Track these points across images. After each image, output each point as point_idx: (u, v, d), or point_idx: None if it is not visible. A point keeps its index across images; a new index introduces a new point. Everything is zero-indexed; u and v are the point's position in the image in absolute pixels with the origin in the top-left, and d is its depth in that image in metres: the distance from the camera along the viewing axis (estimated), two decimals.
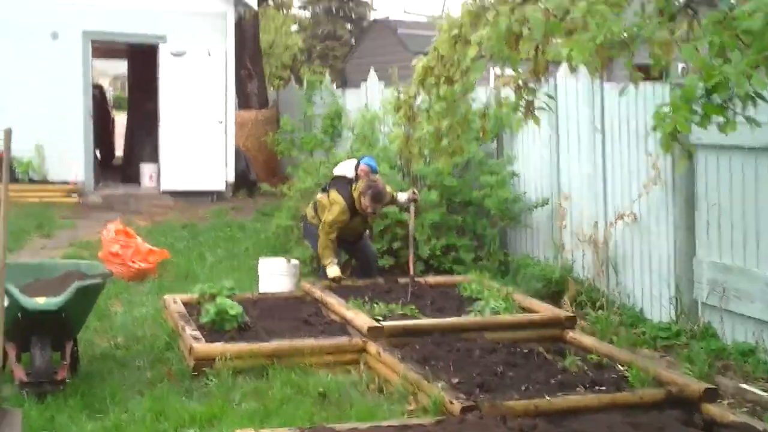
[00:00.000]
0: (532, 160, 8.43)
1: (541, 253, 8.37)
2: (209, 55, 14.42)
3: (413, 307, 6.82)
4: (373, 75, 12.76)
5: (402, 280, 7.65)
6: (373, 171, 7.85)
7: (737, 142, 5.85)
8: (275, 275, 7.65)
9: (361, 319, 6.20)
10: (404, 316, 6.65)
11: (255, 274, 8.87)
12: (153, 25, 14.25)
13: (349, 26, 32.76)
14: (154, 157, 15.13)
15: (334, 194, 7.53)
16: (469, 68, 4.59)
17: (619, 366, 5.65)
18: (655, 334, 6.66)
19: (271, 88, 21.06)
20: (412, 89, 5.36)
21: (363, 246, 7.94)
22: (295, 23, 32.30)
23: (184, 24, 14.33)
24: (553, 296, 7.69)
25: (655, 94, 6.54)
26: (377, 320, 6.23)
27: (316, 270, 8.05)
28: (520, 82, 4.70)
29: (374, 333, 5.99)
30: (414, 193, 7.77)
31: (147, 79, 15.49)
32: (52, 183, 13.54)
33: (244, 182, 15.41)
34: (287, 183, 14.79)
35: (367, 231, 8.00)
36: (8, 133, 4.47)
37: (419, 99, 5.42)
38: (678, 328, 6.56)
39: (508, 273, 8.48)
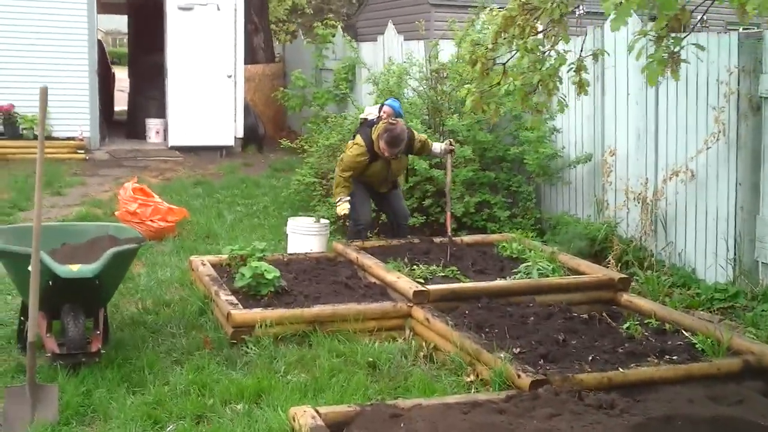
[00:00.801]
0: (573, 114, 8.00)
1: (580, 210, 7.99)
2: (218, 9, 13.88)
3: (455, 268, 6.46)
4: (391, 28, 12.24)
5: (438, 240, 7.29)
6: (397, 113, 7.39)
7: None
8: (305, 235, 7.27)
9: (405, 283, 5.84)
10: (447, 279, 6.30)
11: (278, 233, 8.56)
12: None
13: None
14: (160, 113, 14.69)
15: (357, 137, 7.20)
16: (611, 14, 4.02)
17: (684, 332, 5.31)
18: (710, 295, 6.32)
19: (277, 42, 20.49)
20: (489, 41, 4.87)
21: (393, 200, 7.49)
22: None
23: None
24: (596, 256, 7.34)
25: (720, 44, 6.12)
26: (421, 283, 5.88)
27: (346, 230, 7.67)
28: (660, 31, 4.19)
29: (419, 297, 5.63)
30: (450, 143, 7.35)
31: (151, 33, 14.99)
32: (58, 139, 13.07)
33: (253, 137, 14.97)
34: (300, 138, 14.47)
35: (399, 185, 7.56)
36: (44, 92, 4.06)
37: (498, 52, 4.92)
38: (736, 289, 6.22)
39: (544, 231, 8.12)
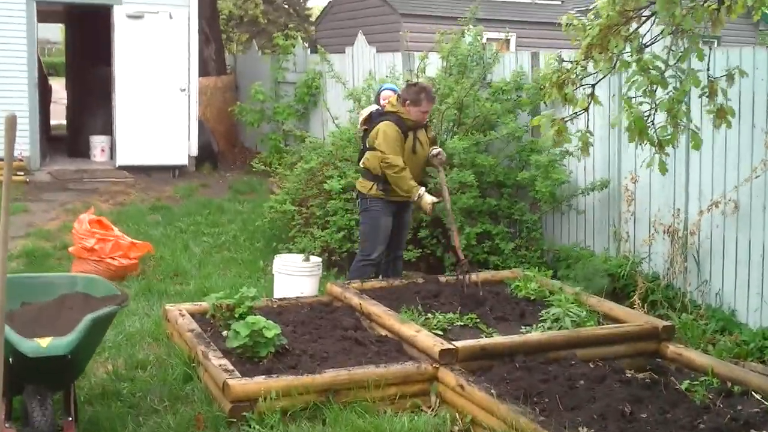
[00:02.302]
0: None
1: (594, 243, 7.27)
2: (171, 17, 12.85)
3: (473, 316, 5.67)
4: (361, 39, 11.41)
5: (444, 278, 6.49)
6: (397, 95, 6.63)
7: None
8: (295, 276, 6.38)
9: (427, 338, 5.01)
10: (467, 329, 5.51)
11: (254, 267, 7.70)
12: None
13: None
14: (106, 129, 13.60)
15: (380, 124, 6.27)
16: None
17: (754, 393, 4.59)
18: (759, 342, 5.64)
19: (227, 53, 19.48)
20: (579, 57, 4.03)
21: (402, 225, 6.61)
22: None
23: None
24: (616, 294, 6.63)
25: None
26: (441, 335, 5.07)
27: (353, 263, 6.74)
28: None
29: (446, 356, 4.81)
30: (440, 153, 6.45)
31: (94, 43, 13.86)
32: None
33: (207, 155, 13.96)
34: (258, 156, 13.53)
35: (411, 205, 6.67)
36: (11, 122, 3.11)
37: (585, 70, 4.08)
38: None
39: (551, 265, 7.36)
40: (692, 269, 6.29)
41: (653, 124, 3.87)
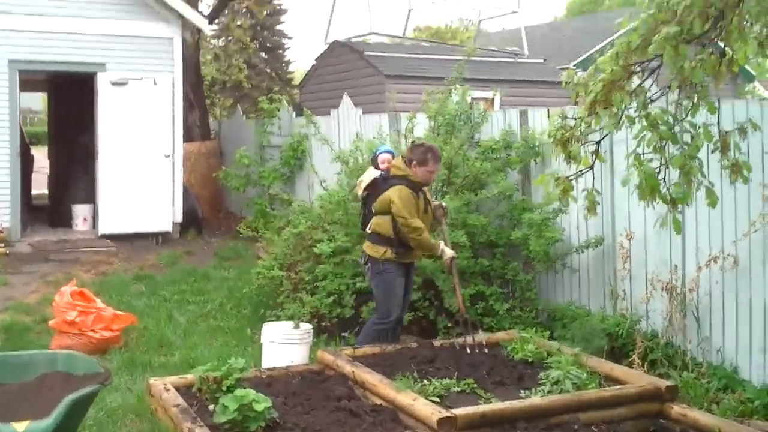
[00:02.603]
0: (575, 192, 7.17)
1: (589, 301, 7.11)
2: (155, 84, 12.82)
3: (471, 381, 5.47)
4: (347, 101, 11.39)
5: (439, 342, 6.30)
6: (394, 156, 6.62)
7: None
8: (285, 344, 6.17)
9: (424, 407, 4.80)
10: (464, 395, 5.30)
11: (242, 337, 7.48)
12: (90, 53, 12.55)
13: (264, 55, 31.42)
14: (88, 197, 13.45)
15: (392, 189, 6.18)
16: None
17: None
18: (764, 400, 5.46)
19: (211, 118, 19.48)
20: (582, 113, 3.92)
21: (408, 285, 6.55)
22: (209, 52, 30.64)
23: (126, 50, 12.69)
24: (614, 353, 6.45)
25: (764, 113, 5.39)
26: (438, 402, 4.87)
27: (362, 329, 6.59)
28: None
29: (445, 425, 4.61)
30: (442, 205, 6.52)
31: (76, 112, 13.81)
32: None
33: (192, 221, 13.81)
34: (242, 221, 13.36)
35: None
36: None
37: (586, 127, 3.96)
38: None
39: (546, 325, 7.18)
40: (692, 326, 6.14)
41: (664, 181, 3.75)
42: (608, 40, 19.84)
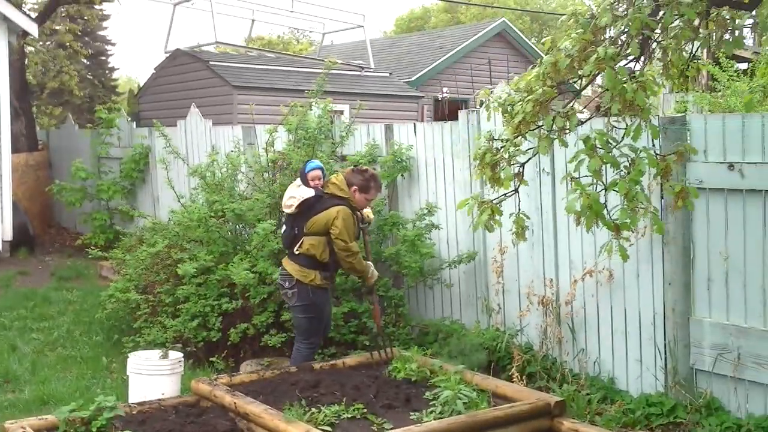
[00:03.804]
0: (444, 206, 7.17)
1: (461, 316, 7.10)
2: None
3: (360, 406, 5.27)
4: (195, 111, 10.90)
5: (318, 365, 6.06)
6: (324, 173, 6.31)
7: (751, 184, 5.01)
8: (154, 375, 5.73)
9: None
10: (355, 421, 5.10)
11: (97, 366, 6.94)
12: None
13: (86, 61, 29.94)
14: None
15: (333, 209, 5.94)
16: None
17: None
18: (644, 410, 5.59)
19: (38, 128, 18.24)
20: (509, 130, 3.77)
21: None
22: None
23: None
24: (491, 368, 6.45)
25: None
26: (331, 431, 4.66)
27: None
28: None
29: None
30: (369, 218, 6.40)
31: None
32: None
33: (23, 239, 12.83)
34: (81, 237, 12.55)
35: None
36: None
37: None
38: (673, 402, 5.54)
39: (419, 340, 7.10)
40: (568, 338, 6.23)
41: (605, 207, 3.71)
42: (445, 57, 20.30)
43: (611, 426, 5.45)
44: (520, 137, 3.72)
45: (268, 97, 12.40)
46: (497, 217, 4.00)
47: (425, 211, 7.03)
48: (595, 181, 3.62)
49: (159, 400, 5.53)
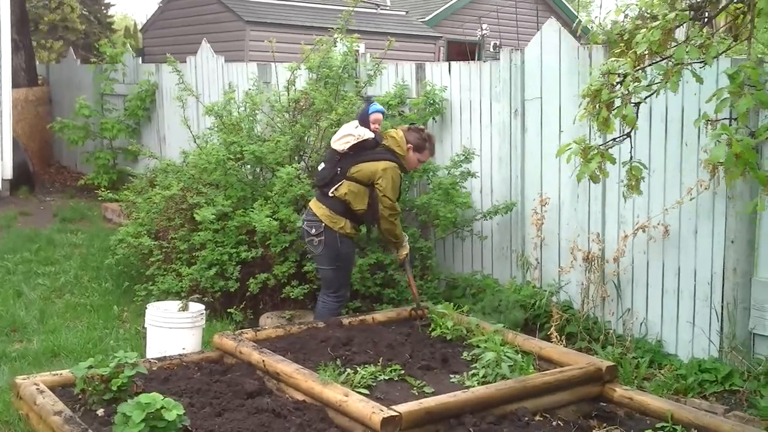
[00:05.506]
0: (480, 154, 6.72)
1: (493, 270, 6.71)
2: None
3: (397, 367, 4.91)
4: (206, 47, 10.36)
5: (347, 321, 5.68)
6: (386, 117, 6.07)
7: None
8: (175, 329, 5.35)
9: (361, 405, 4.18)
10: (393, 383, 4.74)
11: (108, 315, 6.55)
12: None
13: None
14: None
15: (382, 162, 5.55)
16: None
17: None
18: (698, 376, 5.24)
19: (38, 62, 17.62)
20: (628, 63, 3.27)
21: None
22: None
23: None
24: (528, 326, 6.10)
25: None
26: (366, 395, 4.29)
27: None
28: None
29: (389, 426, 4.03)
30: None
31: None
32: None
33: (24, 178, 12.37)
34: (84, 177, 12.14)
35: None
36: None
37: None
38: (729, 368, 5.18)
39: (447, 294, 6.73)
40: (613, 297, 5.85)
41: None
42: None
43: (661, 392, 5.09)
44: (641, 71, 3.24)
45: (283, 33, 11.82)
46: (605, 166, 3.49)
47: (462, 158, 6.59)
48: (739, 125, 3.15)
49: (180, 355, 5.16)
